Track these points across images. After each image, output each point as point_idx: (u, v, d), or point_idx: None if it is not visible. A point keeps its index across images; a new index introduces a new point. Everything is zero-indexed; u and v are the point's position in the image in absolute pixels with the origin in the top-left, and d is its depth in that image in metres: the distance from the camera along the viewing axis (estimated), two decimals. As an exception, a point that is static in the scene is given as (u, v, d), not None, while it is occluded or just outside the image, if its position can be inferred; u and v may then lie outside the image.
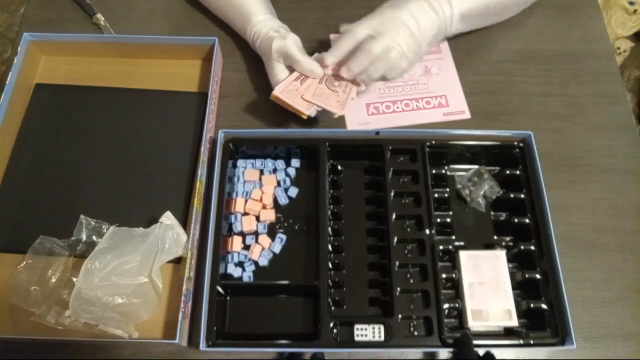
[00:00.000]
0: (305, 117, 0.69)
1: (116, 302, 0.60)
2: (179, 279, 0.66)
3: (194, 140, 0.75)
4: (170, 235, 0.64)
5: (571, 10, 0.88)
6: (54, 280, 0.64)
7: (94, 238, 0.66)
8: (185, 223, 0.69)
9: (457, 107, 0.78)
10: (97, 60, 0.81)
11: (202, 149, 0.69)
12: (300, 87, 0.70)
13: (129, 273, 0.61)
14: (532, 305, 0.64)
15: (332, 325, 0.62)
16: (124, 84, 0.79)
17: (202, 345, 0.59)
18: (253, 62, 0.82)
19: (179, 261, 0.68)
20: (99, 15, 0.86)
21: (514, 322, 0.62)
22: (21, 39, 0.76)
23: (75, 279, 0.63)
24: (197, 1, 0.85)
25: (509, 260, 0.66)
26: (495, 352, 0.63)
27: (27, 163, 0.73)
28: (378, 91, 0.80)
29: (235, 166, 0.74)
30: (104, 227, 0.67)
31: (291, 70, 0.72)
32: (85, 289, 0.59)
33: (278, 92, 0.69)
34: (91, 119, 0.77)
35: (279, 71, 0.72)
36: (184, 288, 0.62)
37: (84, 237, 0.66)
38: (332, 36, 0.83)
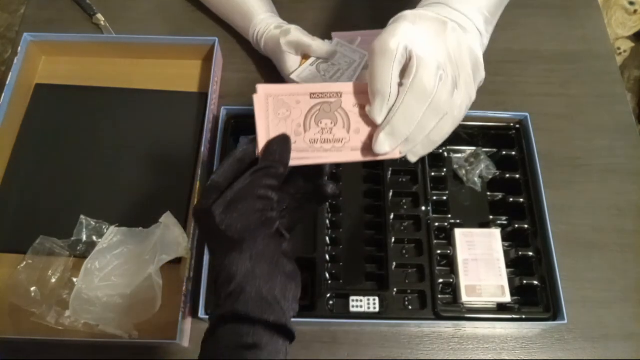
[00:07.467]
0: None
1: (116, 302, 0.60)
2: (179, 279, 0.66)
3: (194, 140, 0.75)
4: (170, 235, 0.64)
5: (571, 10, 0.88)
6: (54, 280, 0.64)
7: (94, 238, 0.66)
8: (185, 223, 0.69)
9: (457, 107, 0.78)
10: (97, 60, 0.81)
11: (202, 149, 0.69)
12: (318, 75, 0.69)
13: (129, 273, 0.61)
14: (524, 282, 0.65)
15: (328, 296, 0.63)
16: (124, 84, 0.79)
17: (201, 313, 0.60)
18: (253, 62, 0.82)
19: (179, 261, 0.67)
20: (99, 15, 0.86)
21: (506, 298, 0.63)
22: (21, 39, 0.76)
23: (75, 279, 0.63)
24: (197, 1, 0.85)
25: (504, 239, 0.67)
26: (487, 326, 0.65)
27: (27, 163, 0.73)
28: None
29: (236, 141, 0.74)
30: (104, 227, 0.67)
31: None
32: (85, 289, 0.59)
33: (295, 76, 0.68)
34: (91, 119, 0.77)
35: (292, 62, 0.72)
36: (184, 288, 0.62)
37: (84, 237, 0.66)
38: (334, 34, 0.83)
